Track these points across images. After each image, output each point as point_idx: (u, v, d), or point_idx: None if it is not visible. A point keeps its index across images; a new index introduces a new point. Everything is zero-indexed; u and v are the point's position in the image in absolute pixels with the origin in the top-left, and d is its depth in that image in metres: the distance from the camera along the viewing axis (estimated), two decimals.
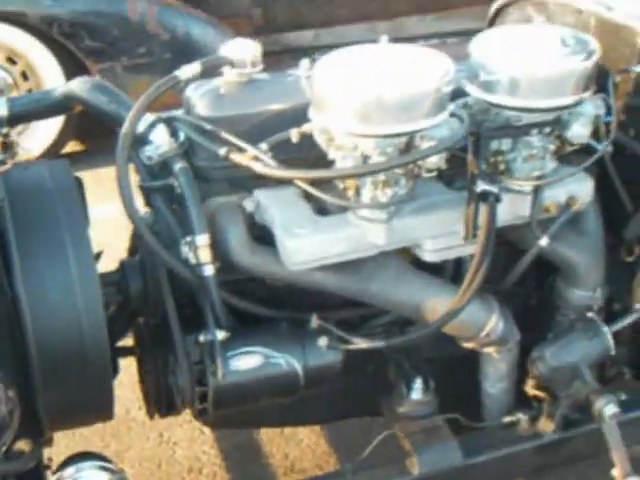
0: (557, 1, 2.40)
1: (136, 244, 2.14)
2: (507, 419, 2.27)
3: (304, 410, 2.36)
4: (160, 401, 2.12)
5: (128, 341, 2.22)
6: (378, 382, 2.31)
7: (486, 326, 2.12)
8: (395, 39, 1.93)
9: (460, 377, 2.32)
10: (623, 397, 2.26)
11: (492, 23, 2.63)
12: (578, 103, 1.97)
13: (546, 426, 2.24)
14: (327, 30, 4.46)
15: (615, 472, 2.10)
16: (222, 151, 1.92)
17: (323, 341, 2.04)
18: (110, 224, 2.66)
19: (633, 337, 2.42)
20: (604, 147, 2.08)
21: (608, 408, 2.13)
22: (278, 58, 2.33)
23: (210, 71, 2.01)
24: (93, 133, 3.63)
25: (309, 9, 4.35)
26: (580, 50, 1.95)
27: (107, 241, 2.25)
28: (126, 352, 2.24)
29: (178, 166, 1.96)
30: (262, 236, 2.00)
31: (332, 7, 4.34)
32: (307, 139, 1.90)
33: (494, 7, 2.57)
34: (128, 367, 2.23)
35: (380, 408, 2.31)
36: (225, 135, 1.94)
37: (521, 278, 2.24)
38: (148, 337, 2.15)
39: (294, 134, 1.89)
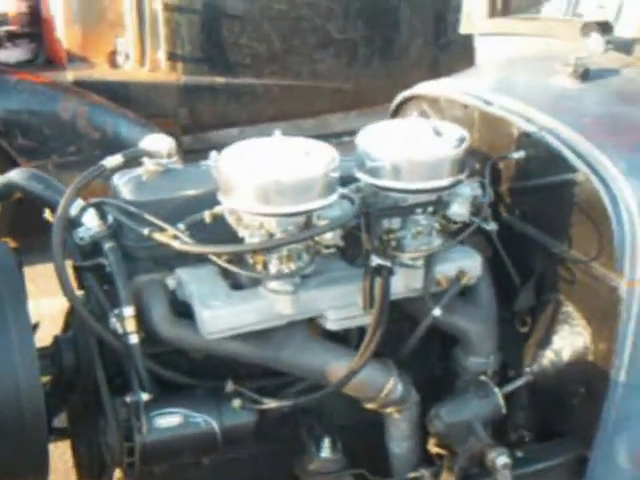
0: (446, 98, 2.71)
1: (69, 321, 2.35)
2: (412, 475, 2.47)
3: (226, 472, 2.54)
4: (92, 465, 2.30)
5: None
6: (293, 446, 2.51)
7: (385, 387, 2.34)
8: (319, 136, 2.22)
9: (369, 440, 2.53)
10: (519, 454, 2.51)
11: (394, 117, 2.93)
12: (454, 185, 2.24)
13: (448, 479, 2.44)
14: (252, 127, 4.82)
15: None
16: (145, 231, 2.15)
17: (237, 403, 2.25)
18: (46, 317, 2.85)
19: (530, 401, 2.64)
20: (476, 223, 2.34)
21: (500, 459, 2.35)
22: (204, 155, 2.52)
23: (132, 161, 2.27)
24: (27, 230, 3.82)
25: (234, 108, 4.69)
26: (451, 138, 2.23)
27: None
28: (60, 432, 2.43)
29: (107, 246, 2.19)
30: (183, 311, 2.22)
31: (257, 106, 4.69)
32: (221, 220, 2.15)
33: (394, 103, 2.87)
34: (62, 454, 2.41)
35: (294, 470, 2.51)
36: (148, 217, 2.17)
37: (425, 347, 2.48)
38: (81, 408, 2.34)
39: (207, 215, 2.14)
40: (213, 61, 4.78)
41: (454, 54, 3.41)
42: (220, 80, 4.76)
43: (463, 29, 3.31)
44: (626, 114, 2.49)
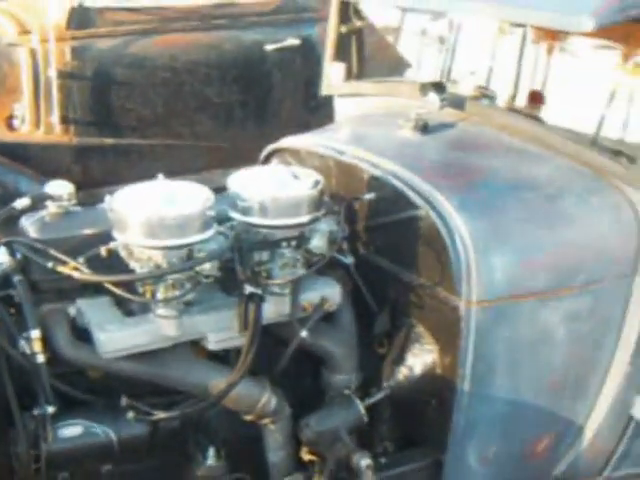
0: (306, 150, 3.09)
1: None
2: (287, 479, 2.80)
3: None
4: (2, 473, 2.56)
5: None
6: (183, 458, 2.80)
7: (260, 401, 2.67)
8: None
9: (250, 451, 2.84)
10: (383, 461, 2.86)
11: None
12: (313, 221, 2.59)
13: None
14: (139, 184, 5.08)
15: None
16: (50, 264, 2.46)
17: (131, 415, 2.55)
18: None
19: (391, 415, 2.97)
20: (329, 255, 2.67)
21: (363, 461, 2.68)
22: None
23: (37, 204, 2.60)
24: None
25: (122, 166, 4.94)
26: (307, 181, 2.60)
27: None
28: None
29: (16, 279, 2.48)
30: (83, 336, 2.52)
31: (143, 164, 4.95)
32: (116, 255, 2.46)
33: (262, 155, 3.23)
34: None
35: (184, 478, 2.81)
36: (51, 252, 2.48)
37: (297, 367, 2.81)
38: None
39: (103, 250, 2.45)
40: (102, 124, 5.01)
41: (322, 115, 3.73)
42: (109, 141, 5.00)
43: (323, 91, 3.68)
44: (459, 160, 2.91)
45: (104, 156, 5.03)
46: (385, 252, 2.89)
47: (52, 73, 4.75)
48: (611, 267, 2.71)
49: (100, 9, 4.93)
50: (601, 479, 3.04)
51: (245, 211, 2.56)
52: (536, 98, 3.78)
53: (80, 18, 4.81)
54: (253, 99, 5.35)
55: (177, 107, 5.14)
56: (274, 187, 2.59)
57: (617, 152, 2.80)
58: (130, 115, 5.08)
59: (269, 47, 5.33)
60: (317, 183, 2.63)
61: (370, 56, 4.16)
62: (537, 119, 3.42)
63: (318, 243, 2.65)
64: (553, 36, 3.80)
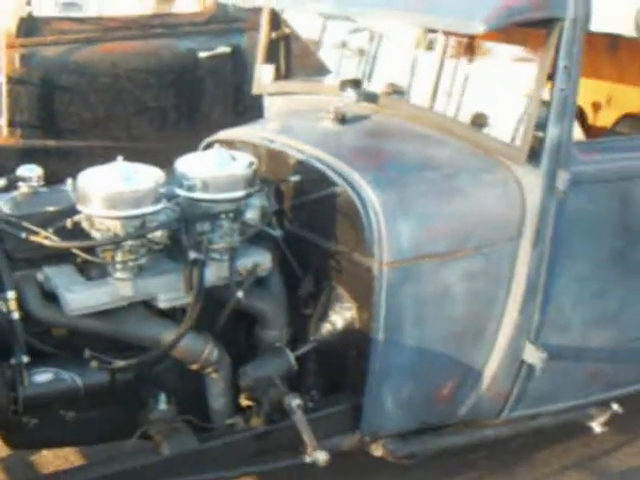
0: (240, 140, 3.54)
1: None
2: (229, 421, 3.22)
3: (86, 428, 3.19)
4: None
5: None
6: (138, 407, 3.18)
7: (204, 352, 3.10)
8: None
9: (197, 397, 3.24)
10: (310, 405, 3.26)
11: None
12: (247, 196, 3.05)
13: (256, 423, 3.18)
14: None
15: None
16: (23, 235, 2.86)
17: (95, 364, 2.96)
18: None
19: (317, 367, 3.38)
20: (260, 226, 3.15)
21: (294, 402, 3.11)
22: None
23: (12, 184, 3.01)
24: None
25: (63, 166, 4.85)
26: (243, 162, 3.07)
27: None
28: None
29: None
30: (49, 300, 2.93)
31: (82, 164, 4.89)
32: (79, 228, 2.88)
33: (202, 146, 3.66)
34: None
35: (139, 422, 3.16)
36: (24, 225, 2.88)
37: (233, 324, 3.23)
38: None
39: (69, 222, 2.87)
40: (46, 127, 5.32)
41: (248, 118, 4.15)
42: (51, 143, 5.31)
43: (255, 90, 4.12)
44: (372, 145, 3.38)
45: (47, 157, 5.26)
46: (309, 225, 3.33)
47: (2, 78, 5.07)
48: (500, 232, 3.16)
49: (47, 19, 5.28)
50: (499, 421, 3.52)
51: (190, 188, 3.01)
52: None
53: (29, 27, 5.14)
54: (186, 103, 5.72)
55: (116, 111, 5.49)
56: (214, 167, 3.04)
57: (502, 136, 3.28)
58: (72, 119, 5.42)
59: (202, 54, 5.71)
60: (251, 164, 3.09)
61: (294, 61, 4.61)
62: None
63: (252, 215, 3.10)
64: (471, 50, 4.30)
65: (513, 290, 3.23)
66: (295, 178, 3.30)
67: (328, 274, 3.29)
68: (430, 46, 3.92)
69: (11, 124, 5.20)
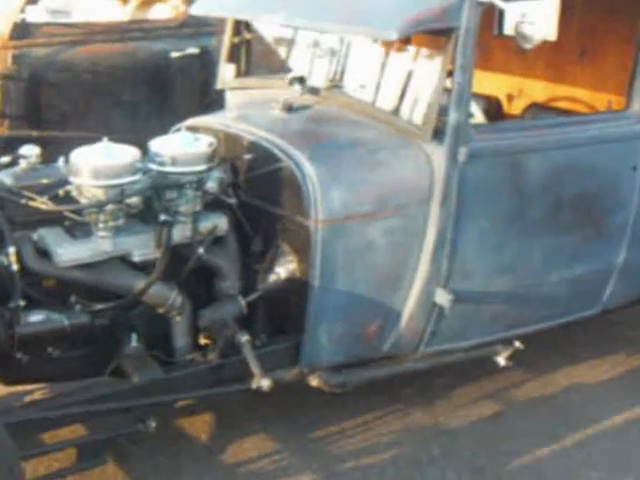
0: (203, 126, 4.20)
1: None
2: (189, 357, 3.86)
3: (70, 365, 3.77)
4: None
5: None
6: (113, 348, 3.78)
7: (170, 298, 3.73)
8: None
9: (164, 337, 3.87)
10: (257, 344, 3.90)
11: None
12: (209, 170, 3.70)
13: (212, 358, 3.82)
14: None
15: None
16: (23, 201, 3.51)
17: (78, 306, 3.60)
18: None
19: (265, 313, 4.00)
20: (216, 194, 3.81)
21: (243, 338, 3.75)
22: None
23: (15, 160, 3.65)
24: None
25: (44, 154, 5.68)
26: (205, 142, 3.74)
27: None
28: None
29: None
30: (43, 256, 3.55)
31: (61, 152, 5.38)
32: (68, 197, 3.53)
33: (172, 130, 4.27)
34: None
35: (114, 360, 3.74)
36: (24, 193, 3.51)
37: (196, 276, 3.85)
38: None
39: (61, 191, 3.52)
40: (31, 119, 5.83)
41: (213, 110, 4.59)
42: (34, 133, 5.75)
43: (218, 85, 4.81)
44: (312, 129, 4.03)
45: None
46: (259, 194, 3.97)
47: None
48: (414, 196, 3.81)
49: (38, 24, 5.86)
50: (417, 356, 4.19)
51: (161, 163, 3.66)
52: None
53: (21, 31, 5.71)
54: (158, 97, 6.30)
55: (95, 104, 6.06)
56: (181, 146, 3.71)
57: (416, 120, 3.94)
58: (55, 111, 5.95)
59: (174, 55, 6.32)
60: (211, 144, 3.76)
61: (258, 61, 5.26)
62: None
63: (212, 185, 3.77)
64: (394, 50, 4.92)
65: (425, 243, 3.87)
66: (248, 156, 3.94)
67: (275, 234, 3.90)
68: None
69: (1, 116, 5.74)
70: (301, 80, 4.33)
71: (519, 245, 4.14)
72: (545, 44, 4.96)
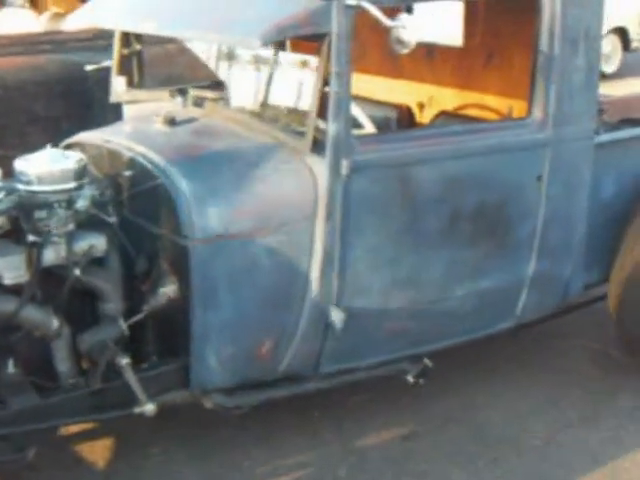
0: (87, 142, 4.10)
1: None
2: (72, 381, 3.71)
3: None
4: None
5: None
6: None
7: (45, 322, 3.59)
8: None
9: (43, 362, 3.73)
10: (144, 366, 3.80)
11: None
12: (78, 188, 3.57)
13: (93, 382, 3.67)
14: None
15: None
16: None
17: None
18: None
19: (154, 334, 3.88)
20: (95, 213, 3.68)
21: (123, 360, 3.63)
22: None
23: None
24: None
25: None
26: (73, 159, 3.62)
27: None
28: None
29: None
30: None
31: None
32: None
33: (61, 147, 4.15)
34: None
35: None
36: None
37: (79, 299, 3.74)
38: None
39: None
40: None
41: None
42: None
43: (111, 99, 4.70)
44: (192, 142, 3.91)
45: None
46: (140, 213, 3.85)
47: None
48: (297, 212, 3.69)
49: None
50: (317, 376, 4.07)
51: (27, 182, 3.54)
52: None
53: None
54: (77, 112, 6.14)
55: (9, 121, 5.89)
56: (48, 163, 3.58)
57: (300, 132, 3.83)
58: None
59: (89, 67, 6.08)
60: (81, 160, 3.64)
61: (181, 73, 5.12)
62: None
63: (83, 204, 3.62)
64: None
65: (314, 261, 3.76)
66: (128, 172, 3.83)
67: (156, 254, 3.80)
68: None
69: None
70: (182, 92, 4.23)
71: (416, 259, 4.01)
72: (452, 50, 4.90)
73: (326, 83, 3.61)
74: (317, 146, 3.66)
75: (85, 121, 6.08)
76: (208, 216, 3.59)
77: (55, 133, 5.98)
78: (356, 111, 4.20)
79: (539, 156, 4.18)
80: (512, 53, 4.79)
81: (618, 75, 14.57)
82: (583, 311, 5.09)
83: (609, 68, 14.65)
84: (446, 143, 3.95)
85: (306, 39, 3.71)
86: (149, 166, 3.71)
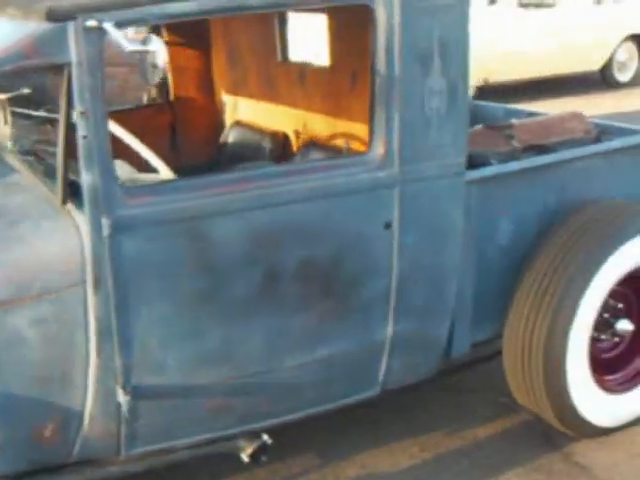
0: None
1: None
2: None
3: None
4: None
5: None
6: None
7: None
8: None
9: None
10: None
11: None
12: None
13: None
14: None
15: None
16: None
17: None
18: None
19: None
20: None
21: None
22: None
23: None
24: None
25: None
26: None
27: None
28: None
29: None
30: None
31: None
32: None
33: None
34: None
35: None
36: None
37: None
38: None
39: None
40: None
41: None
42: None
43: None
44: None
45: None
46: None
47: None
48: (63, 278, 3.17)
49: None
50: (123, 458, 3.54)
51: None
52: None
53: None
54: None
55: None
56: None
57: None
58: None
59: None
60: None
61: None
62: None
63: None
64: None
65: (90, 334, 3.24)
66: None
67: None
68: None
69: None
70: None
71: (225, 330, 3.44)
72: (323, 71, 4.26)
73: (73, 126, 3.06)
74: (79, 199, 3.12)
75: None
76: None
77: None
78: (146, 153, 3.62)
79: (384, 199, 3.52)
80: None
81: (633, 84, 13.96)
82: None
83: (624, 77, 14.01)
84: (253, 189, 3.32)
85: (45, 72, 3.15)
86: None
